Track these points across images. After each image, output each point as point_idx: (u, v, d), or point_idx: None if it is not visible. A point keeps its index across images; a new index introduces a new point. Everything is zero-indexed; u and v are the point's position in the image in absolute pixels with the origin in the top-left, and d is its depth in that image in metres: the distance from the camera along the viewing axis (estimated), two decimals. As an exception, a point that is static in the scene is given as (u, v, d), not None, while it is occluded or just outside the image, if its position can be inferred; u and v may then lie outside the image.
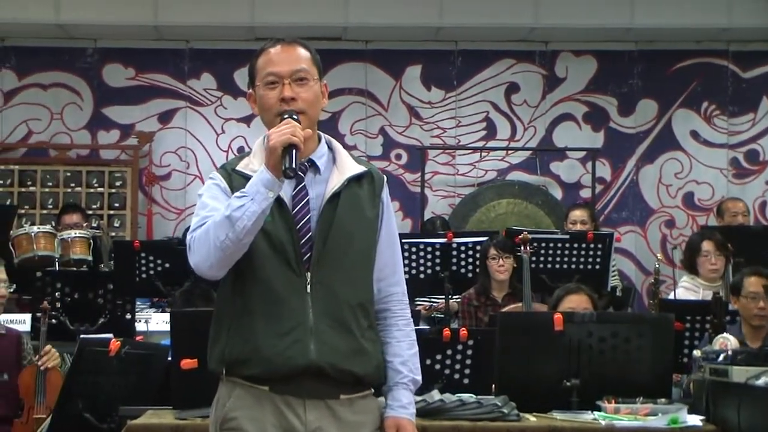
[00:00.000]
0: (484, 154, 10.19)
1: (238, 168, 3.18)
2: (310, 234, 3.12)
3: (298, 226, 3.12)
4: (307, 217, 3.13)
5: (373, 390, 3.23)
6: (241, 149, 10.15)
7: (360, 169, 3.23)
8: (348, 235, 3.14)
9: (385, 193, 3.28)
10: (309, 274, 3.10)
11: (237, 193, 3.03)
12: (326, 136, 3.28)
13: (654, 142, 10.28)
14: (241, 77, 10.09)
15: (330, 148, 3.26)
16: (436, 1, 9.72)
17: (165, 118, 10.20)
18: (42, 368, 5.72)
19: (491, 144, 10.25)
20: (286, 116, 3.09)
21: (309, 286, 3.09)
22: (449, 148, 10.22)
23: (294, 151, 3.01)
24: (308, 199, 3.15)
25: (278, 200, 3.07)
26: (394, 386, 3.23)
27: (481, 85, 10.30)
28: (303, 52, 3.23)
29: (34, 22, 9.69)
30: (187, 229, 3.26)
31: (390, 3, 9.70)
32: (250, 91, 3.27)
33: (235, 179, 3.15)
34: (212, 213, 3.08)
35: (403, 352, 3.25)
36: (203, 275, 3.17)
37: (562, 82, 10.30)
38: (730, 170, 10.30)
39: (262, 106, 3.20)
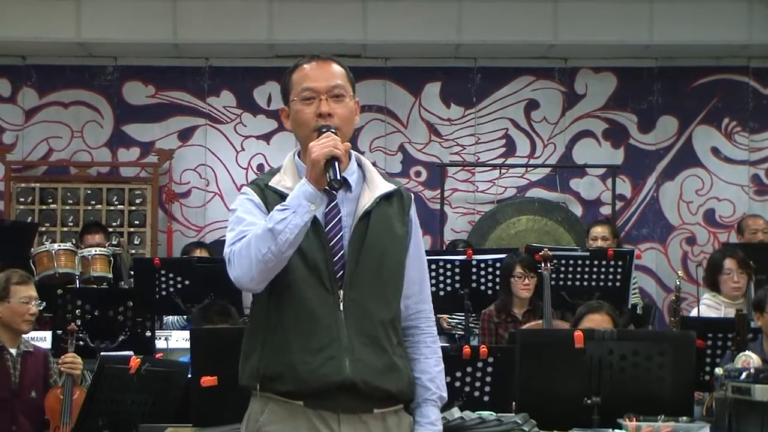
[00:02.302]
0: (503, 171, 10.18)
1: (270, 184, 3.19)
2: (342, 252, 3.13)
3: (331, 244, 3.13)
4: (340, 235, 3.15)
5: (403, 405, 3.23)
6: (260, 167, 10.17)
7: (390, 187, 3.24)
8: (379, 254, 3.15)
9: (413, 211, 3.31)
10: (341, 292, 3.11)
11: (278, 206, 3.04)
12: (356, 153, 3.29)
13: (674, 158, 10.25)
14: (260, 95, 10.13)
15: (359, 165, 3.27)
16: (455, 19, 9.74)
17: (185, 135, 10.23)
18: (61, 369, 5.73)
19: (511, 161, 10.24)
20: (324, 130, 3.10)
21: (342, 304, 3.10)
22: (469, 165, 10.22)
23: (336, 163, 3.03)
24: (340, 217, 3.16)
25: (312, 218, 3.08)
26: (423, 403, 3.24)
27: (501, 102, 10.30)
28: (338, 69, 3.24)
29: (55, 41, 9.75)
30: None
31: (409, 20, 9.72)
32: (283, 106, 3.27)
33: (269, 195, 3.16)
34: (249, 227, 3.07)
35: (431, 369, 3.26)
36: (244, 288, 3.21)
37: (582, 98, 10.29)
38: (751, 187, 10.26)
39: (298, 121, 3.20)
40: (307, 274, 3.09)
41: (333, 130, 3.10)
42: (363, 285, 3.12)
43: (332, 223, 3.15)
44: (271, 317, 3.13)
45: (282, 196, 3.09)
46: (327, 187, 3.04)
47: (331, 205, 3.16)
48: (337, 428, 3.10)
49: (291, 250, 3.02)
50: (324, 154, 3.01)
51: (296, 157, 3.21)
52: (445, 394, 3.29)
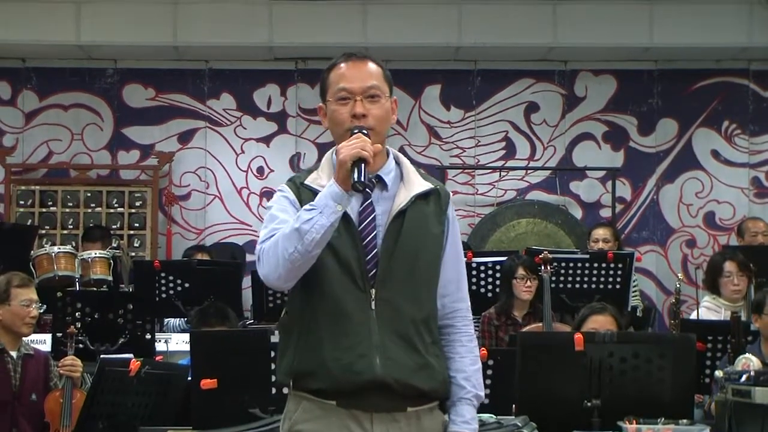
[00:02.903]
0: (503, 173, 10.19)
1: (306, 182, 3.20)
2: (375, 251, 3.14)
3: (364, 243, 3.14)
4: (374, 233, 3.15)
5: (437, 403, 3.23)
6: (260, 169, 10.18)
7: (427, 186, 3.24)
8: (413, 253, 3.16)
9: (451, 210, 3.30)
10: (373, 290, 3.12)
11: (306, 206, 3.06)
12: (394, 151, 3.30)
13: (674, 161, 10.25)
14: (260, 97, 10.14)
15: (398, 163, 3.27)
16: (455, 21, 9.74)
17: (185, 138, 10.23)
18: (61, 372, 5.73)
19: (510, 163, 10.25)
20: (356, 131, 3.11)
21: (373, 303, 3.11)
22: (468, 167, 10.22)
23: (363, 165, 3.03)
24: (374, 216, 3.17)
25: (345, 216, 3.08)
26: (458, 402, 3.23)
27: (501, 105, 10.30)
28: (374, 68, 3.24)
29: (55, 43, 9.75)
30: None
31: (409, 23, 9.72)
32: (321, 105, 3.28)
33: (304, 193, 3.17)
34: (281, 225, 3.10)
35: (467, 367, 3.25)
36: (272, 286, 3.27)
37: (582, 101, 10.30)
38: (751, 189, 10.26)
39: (333, 120, 3.21)
40: (339, 273, 3.11)
41: (365, 132, 3.11)
42: (395, 284, 3.12)
43: (366, 222, 3.15)
44: (304, 315, 3.15)
45: (315, 194, 3.10)
46: (352, 189, 3.04)
47: (366, 203, 3.17)
48: (370, 427, 3.10)
49: (318, 250, 3.04)
50: (351, 155, 3.02)
51: (333, 155, 3.21)
52: (482, 393, 3.28)
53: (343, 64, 3.23)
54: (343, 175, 3.03)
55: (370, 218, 3.16)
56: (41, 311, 6.03)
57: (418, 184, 3.22)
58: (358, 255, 3.12)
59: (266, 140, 10.21)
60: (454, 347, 3.26)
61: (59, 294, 6.69)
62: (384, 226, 3.15)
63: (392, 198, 3.19)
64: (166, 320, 8.03)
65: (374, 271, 3.12)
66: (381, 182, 3.20)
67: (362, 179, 3.02)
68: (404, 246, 3.14)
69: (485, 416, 4.33)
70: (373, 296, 3.11)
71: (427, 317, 3.18)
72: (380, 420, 3.11)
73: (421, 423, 3.16)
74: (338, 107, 3.19)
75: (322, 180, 3.16)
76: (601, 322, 5.43)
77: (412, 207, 3.18)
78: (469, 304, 3.33)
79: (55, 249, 7.98)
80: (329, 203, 3.02)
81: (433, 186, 3.25)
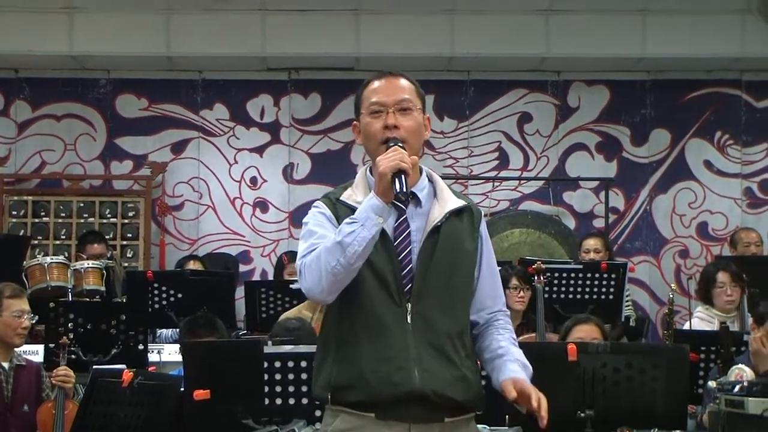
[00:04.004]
0: (496, 183, 10.19)
1: (342, 198, 3.27)
2: (410, 266, 3.20)
3: (400, 258, 3.20)
4: (408, 249, 3.22)
5: (474, 415, 3.29)
6: (254, 179, 10.17)
7: (460, 203, 3.31)
8: (448, 268, 3.23)
9: (483, 227, 3.38)
10: (409, 305, 3.18)
11: (347, 219, 3.12)
12: (427, 169, 3.37)
13: (667, 171, 10.27)
14: (253, 107, 10.13)
15: (431, 180, 3.34)
16: (448, 32, 9.75)
17: (178, 148, 10.22)
18: (53, 382, 5.72)
19: (504, 174, 10.25)
20: (392, 144, 3.17)
21: (409, 317, 3.17)
22: (462, 177, 10.22)
23: (403, 176, 3.09)
24: (409, 231, 3.24)
25: (381, 231, 3.13)
26: (502, 363, 3.29)
27: (494, 115, 10.31)
28: (406, 84, 3.33)
29: (48, 54, 9.74)
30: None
31: (402, 33, 9.73)
32: (355, 122, 3.35)
33: (340, 209, 3.24)
34: (320, 240, 3.16)
35: (501, 344, 3.33)
36: (315, 300, 3.35)
37: (575, 111, 10.31)
38: (744, 200, 10.27)
39: (367, 134, 3.29)
40: (377, 287, 3.17)
41: (400, 144, 3.17)
42: (430, 298, 3.19)
43: (401, 238, 3.22)
44: (343, 328, 3.21)
45: (352, 210, 3.17)
46: (394, 200, 3.10)
47: (401, 219, 3.23)
48: None
49: (360, 262, 3.10)
50: (391, 167, 3.08)
51: (368, 172, 3.29)
52: (528, 365, 3.33)
53: (376, 81, 3.32)
54: (384, 188, 3.09)
55: (405, 234, 3.23)
56: (33, 322, 6.02)
57: (451, 201, 3.30)
58: (394, 270, 3.19)
59: (259, 150, 10.21)
60: (494, 337, 3.35)
61: (52, 304, 6.67)
62: (419, 241, 3.23)
63: (426, 214, 3.26)
64: (158, 331, 8.02)
65: (410, 285, 3.19)
66: (415, 198, 3.27)
67: (404, 190, 3.08)
68: (439, 261, 3.22)
69: (479, 427, 4.31)
70: (409, 310, 3.18)
71: (461, 331, 3.26)
72: (418, 430, 3.16)
73: None
74: (371, 120, 3.27)
75: (358, 196, 3.23)
76: (586, 332, 5.44)
77: (447, 223, 3.25)
78: (508, 312, 3.48)
79: (48, 259, 7.95)
80: (371, 216, 3.08)
81: (466, 203, 3.33)
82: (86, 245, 8.67)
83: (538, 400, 3.19)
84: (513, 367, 3.26)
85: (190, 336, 5.97)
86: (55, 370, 5.79)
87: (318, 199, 3.35)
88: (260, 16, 9.71)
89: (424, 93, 3.34)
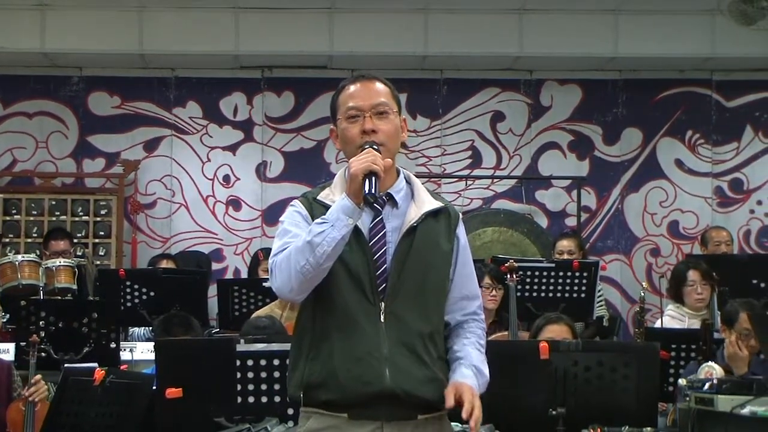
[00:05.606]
0: (469, 182, 10.20)
1: (319, 197, 3.28)
2: (385, 266, 3.22)
3: (375, 257, 3.21)
4: (384, 248, 3.23)
5: (446, 413, 3.30)
6: (226, 177, 10.15)
7: (437, 204, 3.32)
8: (423, 268, 3.24)
9: (461, 230, 3.38)
10: (383, 304, 3.19)
11: (318, 220, 3.14)
12: (405, 170, 3.39)
13: (639, 170, 10.31)
14: (226, 106, 10.11)
15: (408, 182, 3.36)
16: (421, 30, 9.76)
17: (150, 146, 10.19)
18: (30, 399, 5.68)
19: (477, 172, 10.27)
20: (367, 147, 3.19)
21: (382, 316, 3.19)
22: (435, 176, 10.23)
23: (374, 178, 3.11)
24: (385, 232, 3.25)
25: (356, 231, 3.16)
26: (456, 367, 3.28)
27: (467, 114, 10.33)
28: (382, 87, 3.35)
29: (19, 51, 9.67)
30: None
31: (375, 32, 9.73)
32: (332, 127, 3.38)
33: (316, 208, 3.25)
34: (293, 239, 3.17)
35: (463, 348, 3.32)
36: (284, 298, 3.38)
37: (547, 110, 10.34)
38: (714, 199, 10.33)
39: (344, 139, 3.31)
40: (351, 286, 3.18)
41: (376, 147, 3.19)
42: (404, 298, 3.21)
43: (377, 237, 3.24)
44: (316, 327, 3.22)
45: (328, 209, 3.17)
46: (364, 202, 3.11)
47: (377, 219, 3.25)
48: None
49: (329, 263, 3.11)
50: (362, 169, 3.10)
51: (345, 172, 3.28)
52: (485, 371, 3.32)
53: (351, 86, 3.34)
54: (355, 189, 3.11)
55: (380, 234, 3.24)
56: (4, 320, 5.98)
57: (428, 202, 3.31)
58: (369, 269, 3.20)
59: (232, 149, 10.19)
60: (460, 340, 3.34)
61: (23, 303, 6.64)
62: (395, 242, 3.24)
63: (403, 215, 3.27)
64: (131, 329, 7.99)
65: (384, 285, 3.20)
66: (392, 200, 3.29)
67: (373, 192, 3.10)
68: (414, 261, 3.23)
69: (452, 424, 4.33)
70: (382, 309, 3.19)
71: (433, 332, 3.27)
72: (390, 428, 3.18)
73: (430, 430, 3.24)
74: (348, 125, 3.30)
75: (335, 196, 3.24)
76: (556, 332, 5.47)
77: (423, 224, 3.26)
78: (483, 315, 3.46)
79: (19, 258, 7.92)
80: (341, 216, 3.10)
81: (443, 204, 3.34)
82: (50, 241, 8.57)
83: (470, 411, 3.16)
84: (464, 372, 3.26)
85: (164, 334, 5.96)
86: (25, 388, 5.72)
87: (296, 198, 3.36)
88: (233, 14, 9.69)
89: (398, 95, 3.36)
